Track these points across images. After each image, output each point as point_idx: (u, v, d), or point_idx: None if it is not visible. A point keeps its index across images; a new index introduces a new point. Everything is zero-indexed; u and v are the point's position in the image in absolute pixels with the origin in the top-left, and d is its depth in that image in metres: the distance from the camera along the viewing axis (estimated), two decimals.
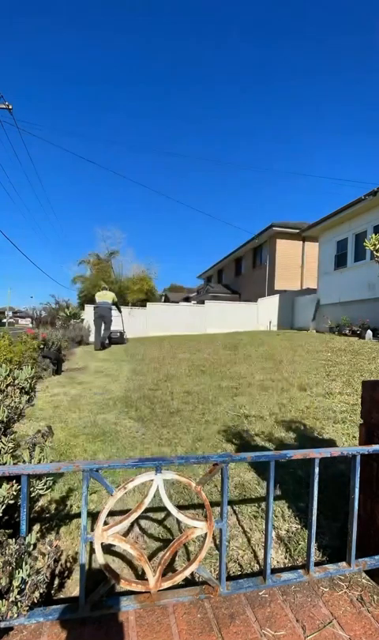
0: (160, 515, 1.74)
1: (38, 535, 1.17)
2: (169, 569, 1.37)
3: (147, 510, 1.71)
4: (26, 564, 1.02)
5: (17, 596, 1.00)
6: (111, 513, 1.72)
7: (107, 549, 1.44)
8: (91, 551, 1.44)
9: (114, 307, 9.97)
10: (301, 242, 16.80)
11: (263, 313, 15.59)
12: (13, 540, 1.05)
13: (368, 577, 1.34)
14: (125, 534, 1.59)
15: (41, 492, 1.37)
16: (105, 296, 9.84)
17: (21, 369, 1.67)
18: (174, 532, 1.63)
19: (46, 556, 1.13)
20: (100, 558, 1.10)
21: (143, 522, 1.69)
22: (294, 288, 16.76)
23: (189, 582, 1.32)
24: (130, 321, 14.98)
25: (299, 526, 1.65)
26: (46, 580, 1.08)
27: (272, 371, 5.09)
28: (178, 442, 2.65)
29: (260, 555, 1.48)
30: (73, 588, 1.30)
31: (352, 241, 11.33)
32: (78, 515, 1.70)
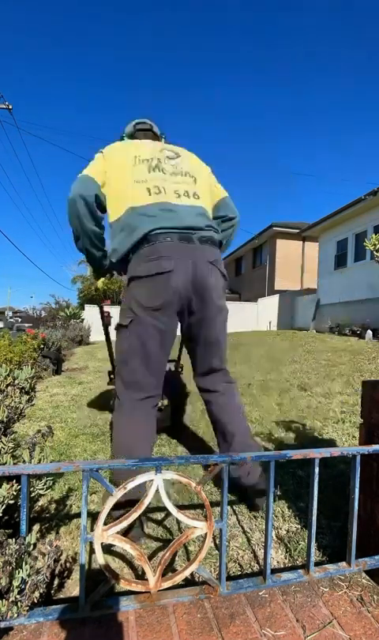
0: (160, 515, 1.74)
1: (38, 535, 1.17)
2: (169, 569, 1.37)
3: (147, 510, 1.71)
4: (26, 564, 1.02)
5: (17, 596, 1.00)
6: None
7: (107, 549, 1.44)
8: (91, 551, 1.44)
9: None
10: (301, 242, 16.80)
11: (263, 313, 15.58)
12: (13, 539, 1.05)
13: (368, 577, 1.34)
14: (125, 534, 1.59)
15: (41, 492, 1.37)
16: (181, 173, 1.52)
17: (21, 369, 1.67)
18: (174, 532, 1.63)
19: (46, 556, 1.13)
20: (100, 558, 1.10)
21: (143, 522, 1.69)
22: (294, 288, 16.75)
23: (189, 582, 1.32)
24: None
25: (299, 526, 1.65)
26: (46, 580, 1.08)
27: (271, 371, 5.09)
28: (178, 442, 2.65)
29: (260, 555, 1.48)
30: (72, 588, 1.30)
31: (352, 241, 11.33)
32: (78, 515, 1.70)
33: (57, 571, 1.31)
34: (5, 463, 1.26)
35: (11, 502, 1.16)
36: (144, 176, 1.43)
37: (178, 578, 1.18)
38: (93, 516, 1.65)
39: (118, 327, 1.48)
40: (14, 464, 1.30)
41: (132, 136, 1.75)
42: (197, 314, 1.46)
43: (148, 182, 1.42)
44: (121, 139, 1.74)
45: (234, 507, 1.79)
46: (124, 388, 1.48)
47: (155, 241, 1.33)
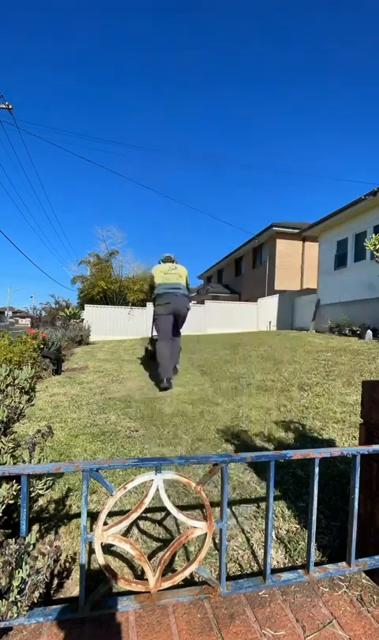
0: (160, 515, 1.74)
1: (37, 535, 1.17)
2: (169, 569, 1.37)
3: (147, 510, 1.71)
4: (26, 564, 1.02)
5: (17, 596, 1.00)
6: (110, 514, 1.72)
7: (107, 549, 1.44)
8: (91, 551, 1.44)
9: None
10: (301, 242, 16.79)
11: (263, 313, 15.58)
12: (13, 539, 1.05)
13: (368, 577, 1.34)
14: (125, 534, 1.59)
15: (41, 492, 1.37)
16: (175, 274, 4.88)
17: (21, 369, 1.67)
18: (174, 532, 1.63)
19: (46, 556, 1.13)
20: (100, 558, 1.10)
21: (143, 522, 1.69)
22: (294, 288, 16.75)
23: (189, 582, 1.32)
24: (130, 322, 14.97)
25: (299, 526, 1.65)
26: (46, 580, 1.08)
27: (271, 371, 5.09)
28: (178, 442, 2.65)
29: (260, 555, 1.48)
30: (72, 588, 1.30)
31: (352, 241, 11.33)
32: (78, 515, 1.70)
33: (56, 571, 1.31)
34: (5, 463, 1.26)
35: (11, 502, 1.16)
36: (163, 275, 4.81)
37: (178, 578, 1.18)
38: (93, 516, 1.65)
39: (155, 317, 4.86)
40: (14, 464, 1.30)
41: (162, 262, 5.07)
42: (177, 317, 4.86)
43: (163, 276, 4.80)
44: (158, 263, 5.09)
45: (234, 507, 1.79)
46: (161, 337, 4.78)
47: (164, 294, 4.68)
